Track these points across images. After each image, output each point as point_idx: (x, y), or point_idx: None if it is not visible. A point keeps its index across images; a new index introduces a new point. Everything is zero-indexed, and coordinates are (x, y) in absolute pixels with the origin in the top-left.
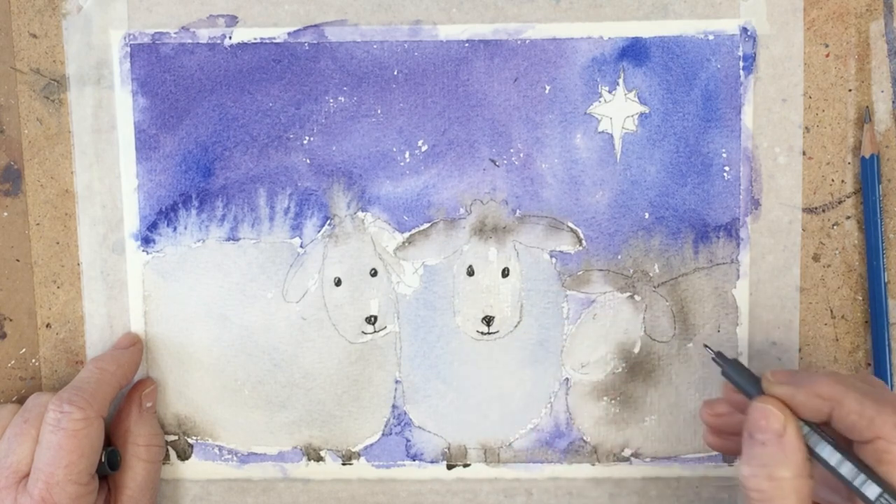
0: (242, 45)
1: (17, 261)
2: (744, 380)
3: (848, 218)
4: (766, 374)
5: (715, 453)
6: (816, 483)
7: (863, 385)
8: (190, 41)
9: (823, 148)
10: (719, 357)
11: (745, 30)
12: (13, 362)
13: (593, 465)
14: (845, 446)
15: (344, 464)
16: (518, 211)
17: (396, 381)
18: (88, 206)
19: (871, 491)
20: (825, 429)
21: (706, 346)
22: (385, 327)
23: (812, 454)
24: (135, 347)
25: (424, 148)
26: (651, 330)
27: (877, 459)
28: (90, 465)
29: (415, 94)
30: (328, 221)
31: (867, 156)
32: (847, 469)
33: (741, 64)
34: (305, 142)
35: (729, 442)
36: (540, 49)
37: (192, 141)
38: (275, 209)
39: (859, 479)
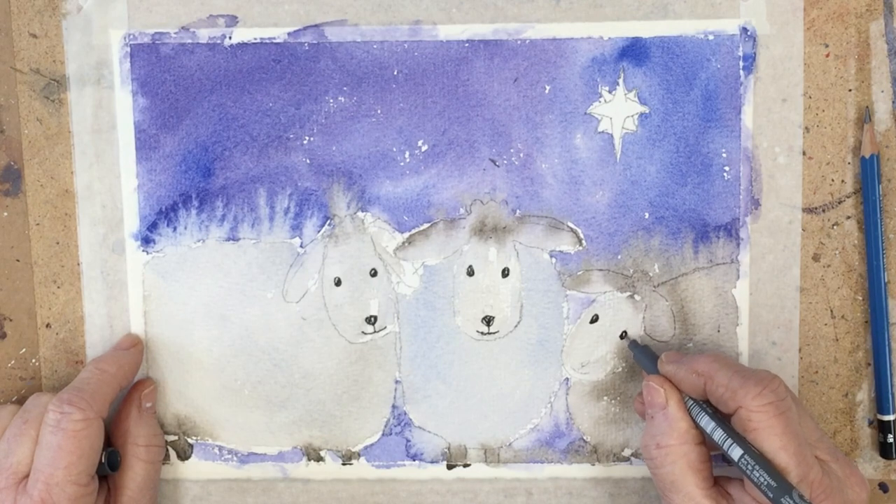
0: (242, 45)
1: (17, 261)
2: (648, 362)
3: (848, 218)
4: (661, 357)
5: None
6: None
7: (736, 364)
8: (190, 41)
9: (823, 148)
10: (631, 344)
11: (745, 30)
12: (13, 362)
13: (593, 465)
14: (724, 418)
15: (344, 464)
16: (518, 211)
17: (396, 381)
18: (88, 206)
19: (735, 453)
20: (711, 405)
21: (624, 334)
22: (385, 327)
23: (696, 425)
24: (135, 348)
25: (424, 148)
26: (651, 330)
27: (742, 427)
28: (90, 466)
29: (415, 94)
30: (328, 221)
31: (867, 156)
32: (718, 435)
33: (741, 64)
34: (305, 142)
35: None
36: (540, 49)
37: (192, 141)
38: (275, 209)
39: (727, 444)
